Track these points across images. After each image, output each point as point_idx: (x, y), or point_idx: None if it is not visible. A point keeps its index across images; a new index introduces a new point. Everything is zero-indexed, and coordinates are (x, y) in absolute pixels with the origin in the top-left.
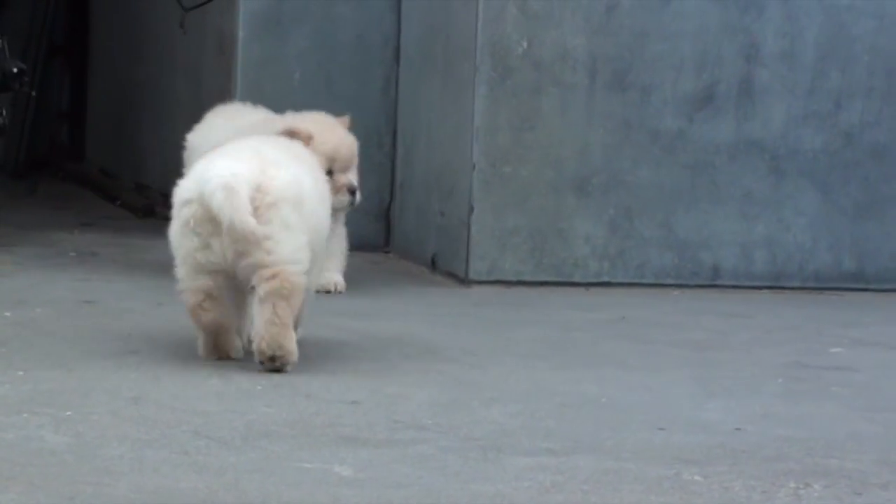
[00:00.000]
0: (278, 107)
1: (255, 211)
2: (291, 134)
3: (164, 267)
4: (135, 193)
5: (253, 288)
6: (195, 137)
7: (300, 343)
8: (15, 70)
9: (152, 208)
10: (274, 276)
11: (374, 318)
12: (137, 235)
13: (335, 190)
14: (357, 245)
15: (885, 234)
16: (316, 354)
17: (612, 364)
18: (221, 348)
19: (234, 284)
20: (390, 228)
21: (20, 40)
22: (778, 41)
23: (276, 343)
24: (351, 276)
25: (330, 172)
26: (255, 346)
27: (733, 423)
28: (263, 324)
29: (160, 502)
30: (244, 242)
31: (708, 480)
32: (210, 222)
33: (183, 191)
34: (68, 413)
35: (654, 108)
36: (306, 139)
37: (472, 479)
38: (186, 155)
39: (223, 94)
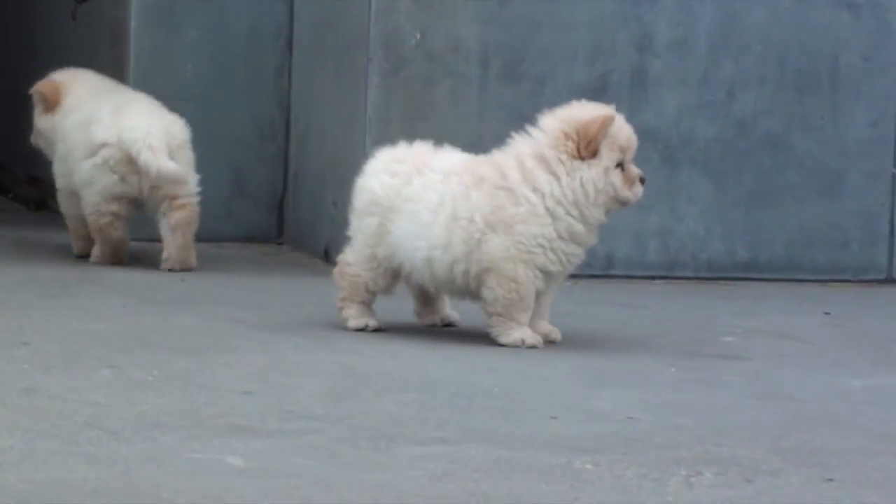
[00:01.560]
0: (171, 98)
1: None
2: None
3: (57, 259)
4: (27, 186)
5: (163, 213)
6: None
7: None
8: None
9: (45, 201)
10: (183, 207)
11: (266, 308)
12: (29, 227)
13: (628, 182)
14: (250, 236)
15: (778, 223)
16: (207, 345)
17: (503, 354)
18: (118, 258)
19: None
20: (283, 219)
21: None
22: (671, 31)
23: (187, 263)
24: (244, 267)
25: (620, 165)
26: (168, 264)
27: (625, 412)
28: (177, 249)
29: (50, 493)
30: (165, 181)
31: (599, 469)
32: (128, 163)
33: (99, 134)
34: None
35: (548, 98)
36: None
37: (362, 469)
38: None
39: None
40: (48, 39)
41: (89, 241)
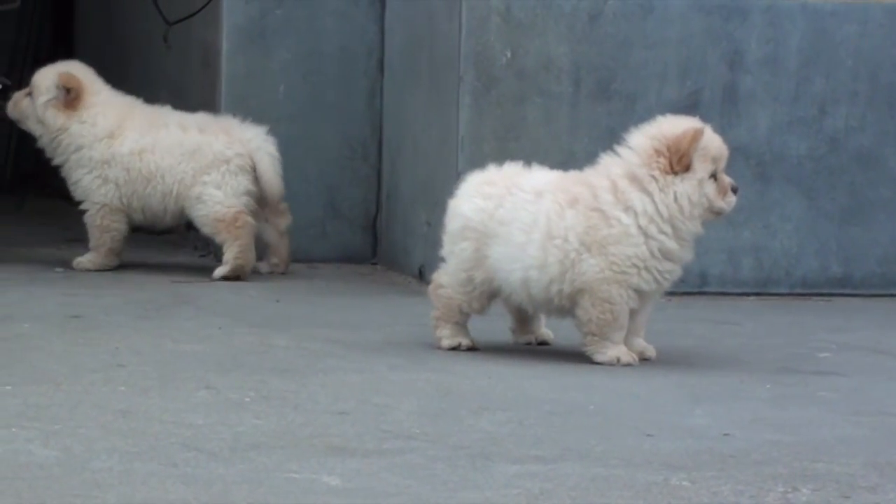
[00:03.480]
0: (263, 119)
1: None
2: None
3: (152, 280)
4: None
5: (266, 220)
6: None
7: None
8: (0, 87)
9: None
10: (285, 213)
11: (361, 328)
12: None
13: (722, 192)
14: (344, 257)
15: (871, 238)
16: (303, 365)
17: (599, 371)
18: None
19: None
20: (377, 239)
21: (5, 56)
22: (761, 47)
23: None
24: (338, 287)
25: (713, 175)
26: (279, 268)
27: (721, 429)
28: (286, 252)
29: None
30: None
31: (696, 486)
32: (252, 170)
33: (220, 148)
34: (57, 427)
35: (639, 116)
36: None
37: (460, 488)
38: None
39: (208, 108)
40: (139, 62)
41: (118, 256)
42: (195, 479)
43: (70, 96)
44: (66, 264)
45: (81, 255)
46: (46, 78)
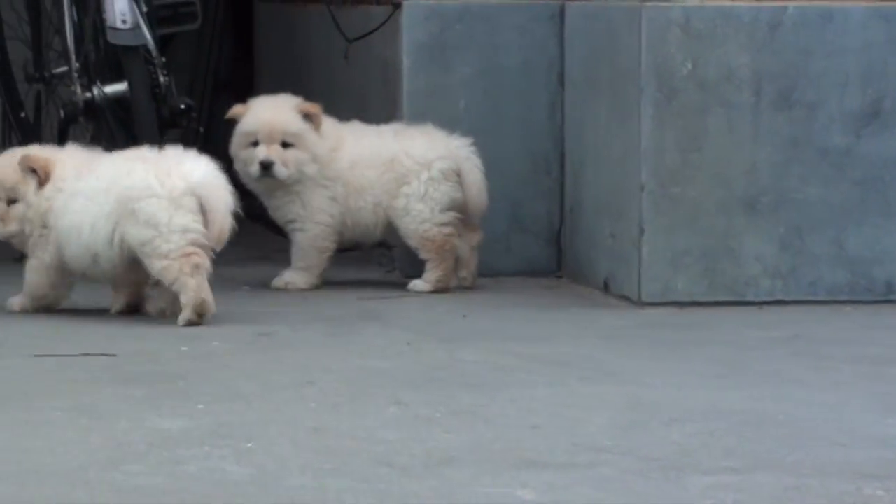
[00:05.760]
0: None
1: None
2: None
3: (339, 297)
4: None
5: (459, 235)
6: None
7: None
8: (182, 107)
9: None
10: (477, 229)
11: (549, 341)
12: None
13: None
14: (529, 270)
15: None
16: (492, 380)
17: (788, 381)
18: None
19: None
20: (561, 252)
21: (186, 76)
22: None
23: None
24: (524, 300)
25: None
26: (466, 282)
27: None
28: (475, 267)
29: None
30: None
31: (890, 494)
32: (456, 176)
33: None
34: (249, 444)
35: (821, 124)
36: None
37: (654, 499)
38: None
39: (389, 123)
40: (319, 80)
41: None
42: (388, 495)
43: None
44: (253, 282)
45: (276, 273)
46: None
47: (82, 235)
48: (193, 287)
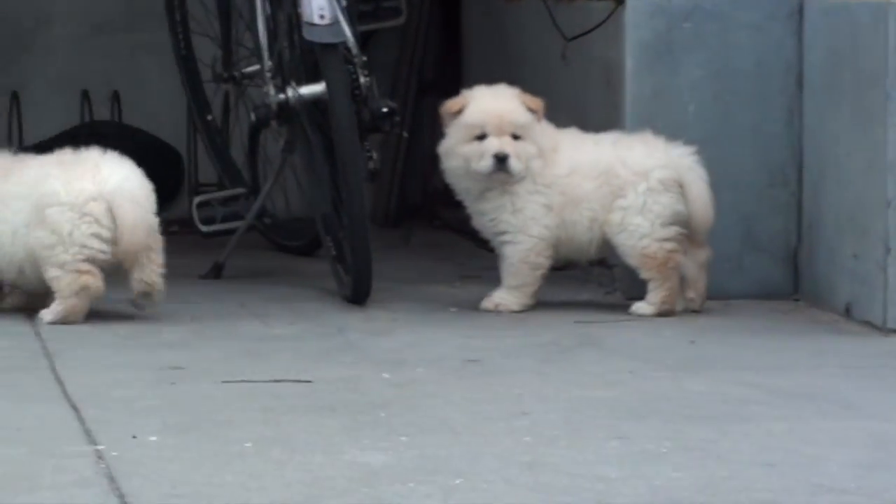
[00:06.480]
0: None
1: None
2: None
3: (555, 321)
4: None
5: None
6: None
7: None
8: (384, 110)
9: None
10: (704, 245)
11: (784, 371)
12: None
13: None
14: (763, 292)
15: None
16: (723, 412)
17: None
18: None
19: None
20: (798, 274)
21: (388, 78)
22: None
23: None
24: (757, 326)
25: None
26: (694, 304)
27: None
28: (704, 288)
29: None
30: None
31: None
32: (677, 187)
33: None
34: (458, 481)
35: None
36: None
37: None
38: None
39: (610, 129)
40: (534, 82)
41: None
42: None
43: None
44: (461, 304)
45: (478, 293)
46: None
47: (4, 245)
48: (71, 308)
